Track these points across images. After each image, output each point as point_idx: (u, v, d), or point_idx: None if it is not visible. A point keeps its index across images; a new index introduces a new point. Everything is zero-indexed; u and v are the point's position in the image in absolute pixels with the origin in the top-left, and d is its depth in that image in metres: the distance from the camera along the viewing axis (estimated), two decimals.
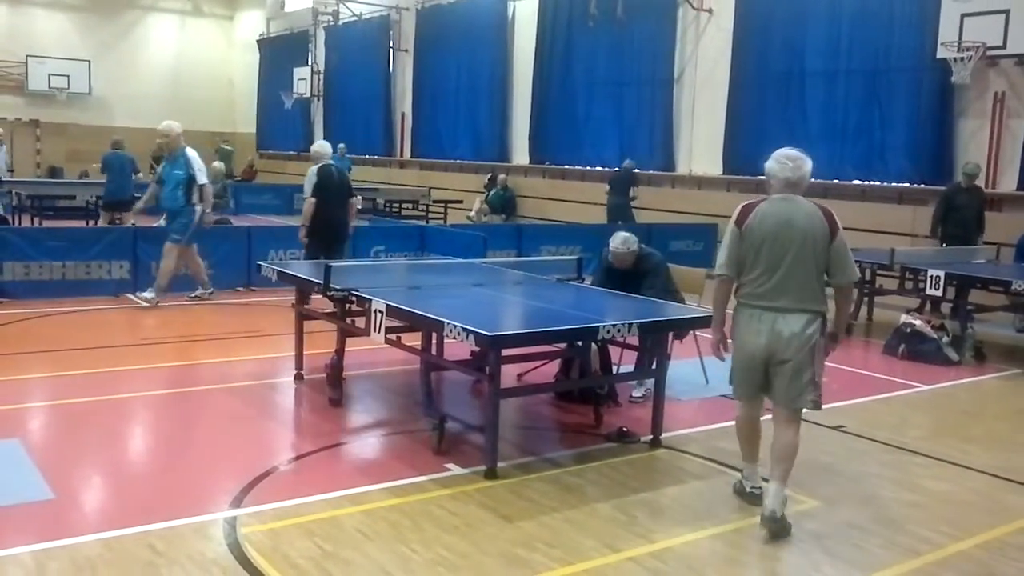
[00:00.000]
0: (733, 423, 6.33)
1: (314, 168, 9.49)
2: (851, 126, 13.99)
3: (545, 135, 19.45)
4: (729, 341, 4.93)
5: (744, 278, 4.76)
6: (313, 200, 9.31)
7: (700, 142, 16.28)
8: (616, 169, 16.51)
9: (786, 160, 4.73)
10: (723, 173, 15.82)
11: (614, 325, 5.33)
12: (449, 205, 19.42)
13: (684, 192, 16.56)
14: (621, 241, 6.90)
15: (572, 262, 7.50)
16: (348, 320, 6.54)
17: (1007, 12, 11.73)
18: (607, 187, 16.32)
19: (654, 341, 6.09)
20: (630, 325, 5.43)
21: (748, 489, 5.11)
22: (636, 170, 16.32)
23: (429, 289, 6.63)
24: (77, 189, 17.51)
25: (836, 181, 14.27)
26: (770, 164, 4.76)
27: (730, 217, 4.83)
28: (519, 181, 19.98)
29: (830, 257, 4.69)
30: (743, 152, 15.49)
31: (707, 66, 16.15)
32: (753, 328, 4.72)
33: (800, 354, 4.66)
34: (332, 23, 26.24)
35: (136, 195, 14.96)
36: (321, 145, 9.82)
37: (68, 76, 28.40)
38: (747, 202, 4.83)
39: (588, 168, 18.65)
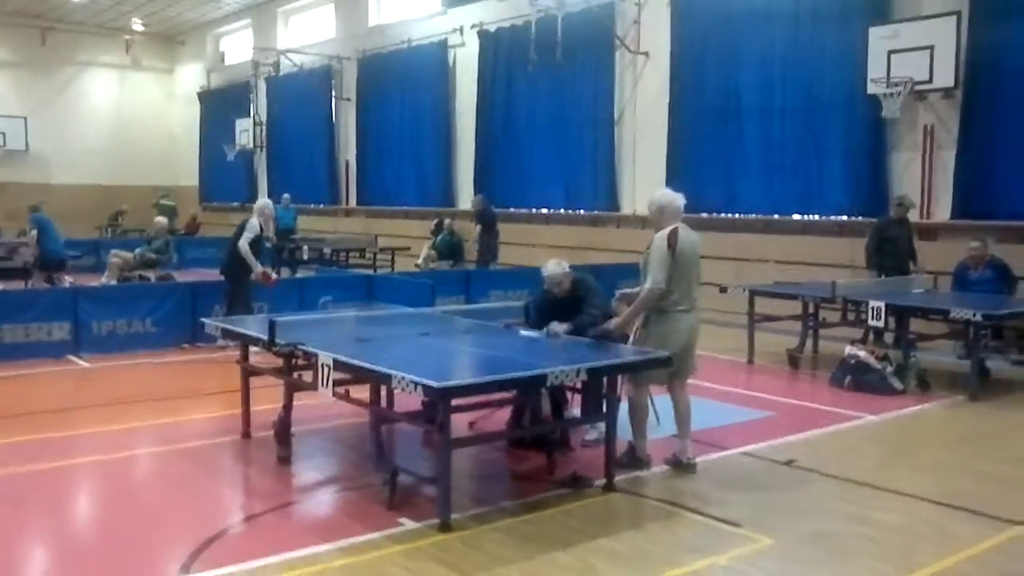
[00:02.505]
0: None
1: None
2: (788, 162, 14.27)
3: (490, 179, 19.53)
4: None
5: (671, 290, 6.18)
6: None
7: (643, 181, 16.45)
8: (479, 206, 17.47)
9: (674, 194, 6.47)
10: None
11: (562, 371, 5.34)
12: (397, 252, 19.37)
13: (629, 232, 16.70)
14: (555, 263, 6.98)
15: (519, 308, 7.52)
16: (295, 375, 6.47)
17: (931, 48, 12.11)
18: (478, 225, 17.19)
19: (603, 384, 6.09)
20: (578, 370, 5.43)
21: (686, 460, 6.34)
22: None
23: (377, 340, 6.58)
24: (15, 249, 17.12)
25: (776, 216, 14.53)
26: (667, 200, 6.39)
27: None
28: (466, 226, 19.98)
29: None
30: (685, 190, 15.23)
31: (646, 107, 16.41)
32: (682, 327, 6.25)
33: (697, 340, 6.43)
34: (273, 74, 26.25)
35: (70, 255, 14.82)
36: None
37: (4, 134, 28.03)
38: (670, 229, 6.23)
39: (534, 211, 18.76)
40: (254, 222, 10.88)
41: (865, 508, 5.72)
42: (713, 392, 8.93)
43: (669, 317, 6.25)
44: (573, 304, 6.82)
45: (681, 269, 6.20)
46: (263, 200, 11.27)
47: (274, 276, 11.06)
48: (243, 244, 10.76)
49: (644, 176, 16.39)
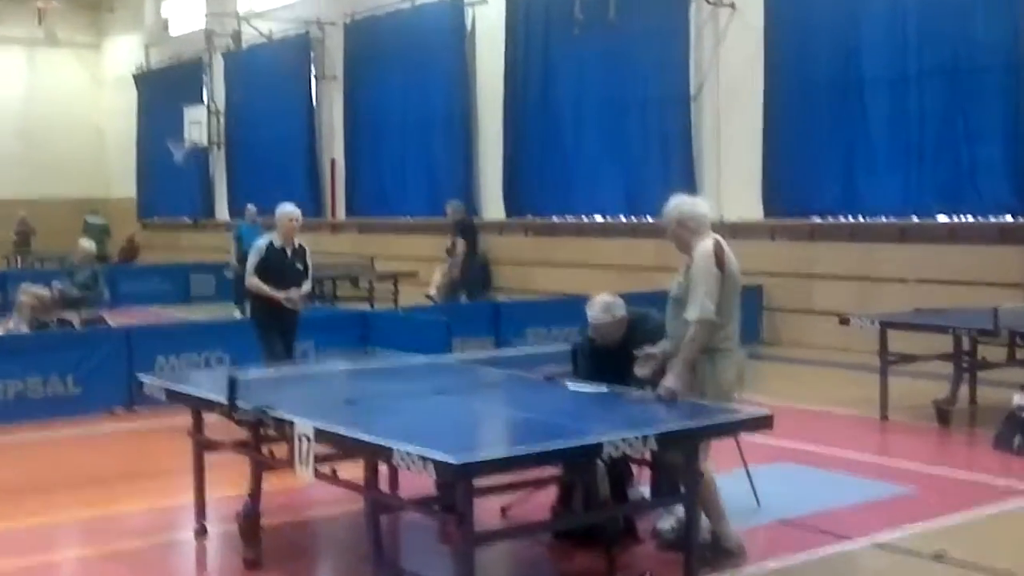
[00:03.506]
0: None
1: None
2: (929, 145, 14.21)
3: (524, 180, 19.69)
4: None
5: (722, 322, 6.27)
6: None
7: (731, 177, 16.44)
8: (459, 215, 18.06)
9: (694, 200, 6.71)
10: (764, 217, 16.00)
11: (624, 439, 5.30)
12: (401, 280, 19.46)
13: None
14: (601, 308, 6.88)
15: (565, 352, 7.50)
16: (265, 449, 6.50)
17: None
18: (459, 241, 17.69)
19: (682, 456, 6.04)
20: (645, 437, 5.39)
21: (736, 545, 6.36)
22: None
23: (373, 401, 6.61)
24: None
25: (915, 219, 14.44)
26: (687, 208, 6.52)
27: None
28: (493, 242, 20.08)
29: None
30: (790, 187, 15.67)
31: (733, 77, 16.46)
32: (736, 371, 6.44)
33: None
34: (233, 48, 26.63)
35: None
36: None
37: None
38: (712, 244, 6.33)
39: (584, 220, 18.80)
40: (260, 243, 10.54)
41: None
42: (834, 459, 8.86)
43: (721, 356, 6.37)
44: (629, 355, 6.78)
45: (728, 293, 6.36)
46: (281, 208, 10.50)
47: (297, 295, 10.34)
48: (250, 277, 10.37)
49: (733, 169, 16.39)
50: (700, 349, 6.24)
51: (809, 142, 15.45)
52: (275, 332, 10.35)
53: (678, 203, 6.58)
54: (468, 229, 17.86)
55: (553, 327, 13.87)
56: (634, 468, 6.92)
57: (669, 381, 6.24)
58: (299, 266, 10.45)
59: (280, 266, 10.32)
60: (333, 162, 24.35)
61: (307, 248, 10.67)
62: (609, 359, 6.93)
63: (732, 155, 16.51)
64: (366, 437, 5.36)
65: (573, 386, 6.90)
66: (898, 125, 14.54)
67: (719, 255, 6.30)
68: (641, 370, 6.49)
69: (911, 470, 8.63)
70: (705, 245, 6.33)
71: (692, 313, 6.17)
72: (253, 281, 10.29)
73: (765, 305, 15.60)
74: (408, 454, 4.94)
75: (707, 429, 6.03)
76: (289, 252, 10.37)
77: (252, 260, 10.39)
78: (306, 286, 10.56)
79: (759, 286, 15.49)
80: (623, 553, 6.43)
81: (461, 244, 17.65)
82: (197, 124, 27.64)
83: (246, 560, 6.47)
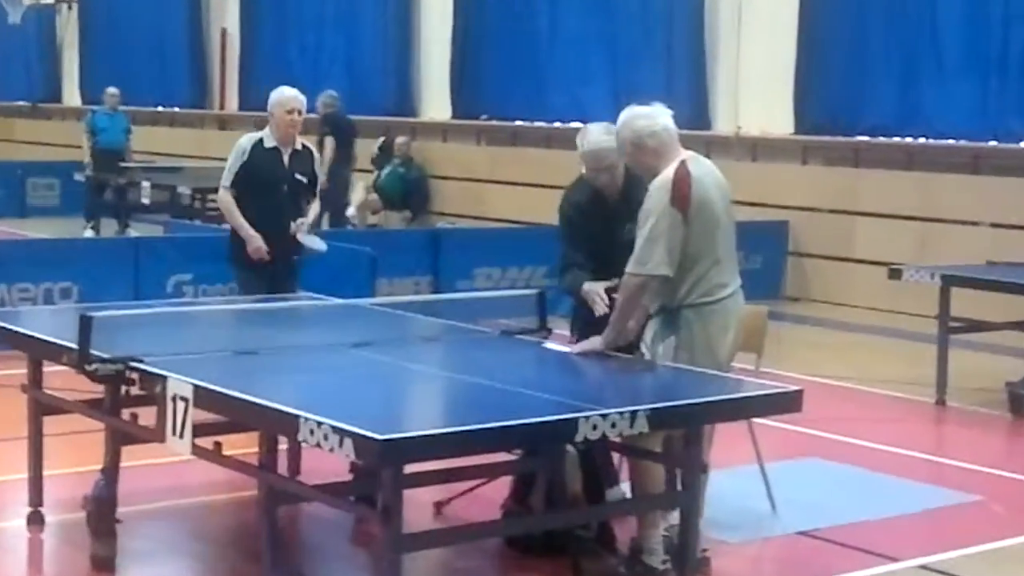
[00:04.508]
0: None
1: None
2: (1016, 49, 14.24)
3: (480, 69, 19.72)
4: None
5: (693, 273, 6.31)
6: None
7: (754, 77, 16.46)
8: (329, 107, 18.25)
9: (652, 110, 6.50)
10: (795, 132, 16.06)
11: (604, 416, 5.30)
12: None
13: (729, 166, 16.63)
14: (603, 129, 6.91)
15: (529, 298, 7.49)
16: (126, 414, 6.47)
17: None
18: (327, 138, 17.80)
19: (682, 441, 6.07)
20: (634, 414, 5.40)
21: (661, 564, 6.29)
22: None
23: (273, 355, 6.62)
24: None
25: (993, 143, 14.50)
26: (644, 124, 6.40)
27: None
28: (434, 150, 20.06)
29: None
30: (830, 95, 15.74)
31: None
32: (731, 321, 6.43)
33: None
34: None
35: None
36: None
37: None
38: (674, 171, 6.25)
39: (557, 125, 18.76)
40: (244, 142, 9.49)
41: None
42: (875, 456, 8.95)
43: (711, 312, 6.39)
44: (627, 215, 6.77)
45: (704, 231, 6.34)
46: (278, 95, 9.45)
47: (300, 228, 9.34)
48: (222, 191, 9.57)
49: (756, 67, 16.42)
50: (632, 305, 6.37)
51: (858, 37, 15.50)
52: (263, 279, 9.35)
53: (630, 118, 6.49)
54: (340, 128, 17.94)
55: (510, 266, 13.90)
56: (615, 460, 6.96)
57: (591, 342, 6.48)
58: (301, 178, 9.46)
59: (271, 177, 9.32)
60: (224, 33, 24.13)
61: (314, 153, 9.81)
62: (610, 217, 7.05)
63: (757, 48, 16.53)
64: (263, 401, 5.33)
65: (551, 346, 6.91)
66: (977, 21, 14.57)
67: (681, 187, 6.25)
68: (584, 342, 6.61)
69: (974, 472, 8.70)
70: (665, 175, 6.30)
71: (631, 263, 6.24)
72: (225, 199, 9.45)
73: (792, 249, 15.68)
74: (320, 424, 4.93)
75: (716, 407, 6.02)
76: (286, 156, 9.35)
77: (231, 164, 9.48)
78: (313, 210, 9.72)
79: (784, 223, 15.55)
80: (597, 568, 6.42)
81: (330, 144, 17.70)
82: None
83: (94, 558, 6.45)
